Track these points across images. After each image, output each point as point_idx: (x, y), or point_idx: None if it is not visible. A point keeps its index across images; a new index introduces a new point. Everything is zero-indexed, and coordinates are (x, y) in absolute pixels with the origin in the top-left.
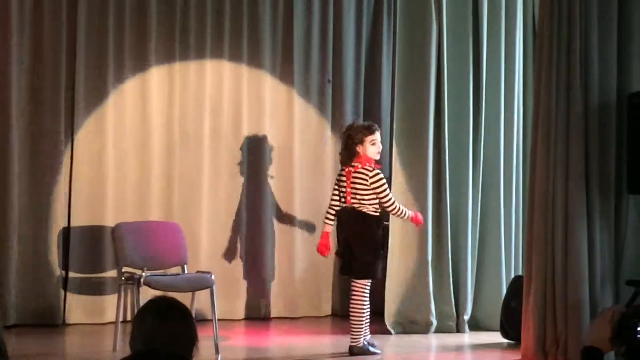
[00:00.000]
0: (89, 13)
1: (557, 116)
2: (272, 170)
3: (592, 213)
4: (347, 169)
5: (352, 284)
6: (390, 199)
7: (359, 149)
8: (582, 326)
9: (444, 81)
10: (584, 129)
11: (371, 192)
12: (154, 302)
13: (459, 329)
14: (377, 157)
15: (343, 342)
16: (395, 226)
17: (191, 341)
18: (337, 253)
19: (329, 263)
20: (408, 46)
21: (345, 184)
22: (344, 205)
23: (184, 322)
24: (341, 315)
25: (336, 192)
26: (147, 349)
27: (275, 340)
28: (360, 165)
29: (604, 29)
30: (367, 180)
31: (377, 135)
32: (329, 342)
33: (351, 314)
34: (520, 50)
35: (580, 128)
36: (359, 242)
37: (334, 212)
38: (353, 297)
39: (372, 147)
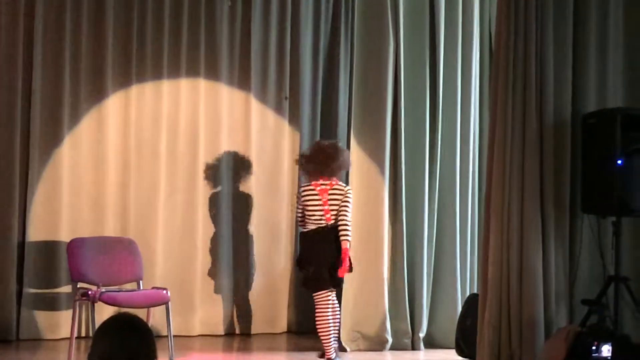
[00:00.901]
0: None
1: (513, 135)
2: (230, 183)
3: (547, 232)
4: (319, 187)
5: (315, 297)
6: (349, 216)
7: (337, 174)
8: (537, 344)
9: (401, 98)
10: (539, 149)
11: (339, 207)
12: (114, 319)
13: (414, 346)
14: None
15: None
16: (352, 243)
17: (150, 359)
18: (302, 267)
19: (285, 278)
20: (365, 62)
21: (319, 201)
22: (321, 223)
23: (144, 340)
24: (296, 332)
25: (312, 206)
26: None
27: (231, 357)
28: (333, 183)
29: (560, 49)
30: (340, 197)
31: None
32: (284, 359)
33: (317, 327)
34: (476, 68)
35: (536, 147)
36: (324, 257)
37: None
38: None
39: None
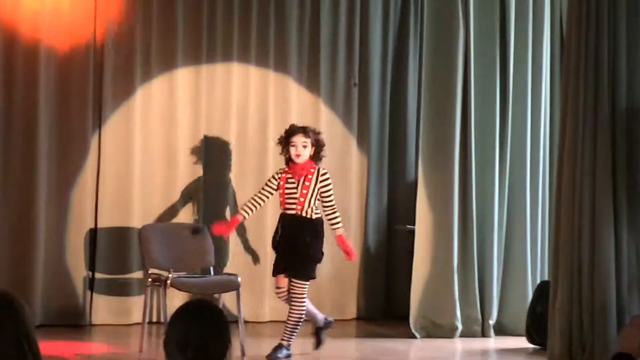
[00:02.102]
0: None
1: (585, 122)
2: None
3: (618, 218)
4: (295, 175)
5: (294, 285)
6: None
7: (285, 151)
8: (609, 331)
9: (470, 85)
10: (611, 135)
11: (316, 194)
12: (190, 304)
13: (484, 334)
14: (297, 160)
15: (367, 346)
16: (420, 230)
17: (225, 346)
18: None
19: (354, 267)
20: (435, 50)
21: (295, 188)
22: (291, 211)
23: (220, 326)
24: (366, 319)
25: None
26: (182, 352)
27: (301, 343)
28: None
29: (632, 35)
30: (312, 183)
31: (296, 138)
32: (354, 345)
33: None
34: (547, 55)
35: (607, 133)
36: (309, 246)
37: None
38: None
39: (292, 148)
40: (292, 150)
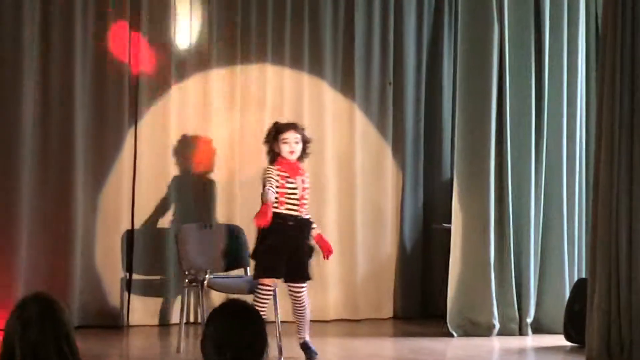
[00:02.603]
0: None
1: (621, 120)
2: (332, 178)
3: None
4: (292, 174)
5: (301, 288)
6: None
7: (275, 147)
8: None
9: (506, 84)
10: None
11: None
12: (227, 305)
13: (521, 332)
14: (290, 157)
15: (404, 345)
16: (457, 228)
17: (262, 347)
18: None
19: (390, 266)
20: (470, 48)
21: (295, 188)
22: (293, 212)
23: (257, 327)
24: (403, 317)
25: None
26: (219, 353)
27: (338, 342)
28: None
29: None
30: (307, 183)
31: (289, 134)
32: (390, 345)
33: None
34: (583, 51)
35: None
36: (306, 248)
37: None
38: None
39: (284, 145)
40: (285, 147)
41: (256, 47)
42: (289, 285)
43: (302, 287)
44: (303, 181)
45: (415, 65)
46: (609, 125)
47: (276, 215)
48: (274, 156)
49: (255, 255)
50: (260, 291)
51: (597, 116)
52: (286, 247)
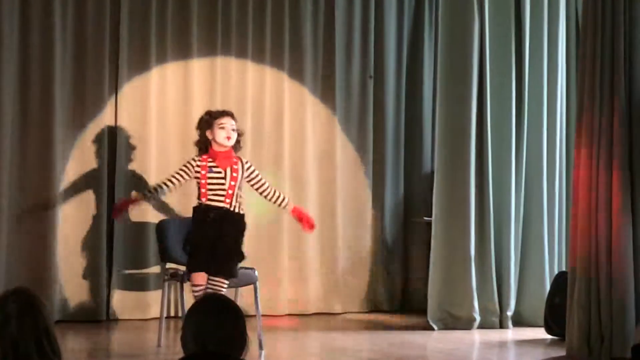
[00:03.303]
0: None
1: (602, 113)
2: (312, 172)
3: (636, 210)
4: (220, 164)
5: (220, 284)
6: (266, 182)
7: (209, 134)
8: (627, 322)
9: (486, 76)
10: (628, 125)
11: (241, 185)
12: (207, 300)
13: (502, 325)
14: (227, 143)
15: (384, 338)
16: (437, 222)
17: (243, 341)
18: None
19: (371, 260)
20: (450, 42)
21: (223, 178)
22: (218, 204)
23: (237, 322)
24: (383, 311)
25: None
26: (200, 347)
27: (317, 336)
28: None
29: None
30: (239, 173)
31: (227, 120)
32: (371, 338)
33: None
34: (563, 48)
35: (625, 125)
36: (229, 244)
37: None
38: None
39: (221, 130)
40: (222, 133)
41: (236, 42)
42: (208, 279)
43: (222, 282)
44: (235, 171)
45: (396, 59)
46: (589, 119)
47: (197, 208)
48: (205, 145)
49: (184, 248)
50: (193, 292)
51: (577, 112)
52: (205, 241)
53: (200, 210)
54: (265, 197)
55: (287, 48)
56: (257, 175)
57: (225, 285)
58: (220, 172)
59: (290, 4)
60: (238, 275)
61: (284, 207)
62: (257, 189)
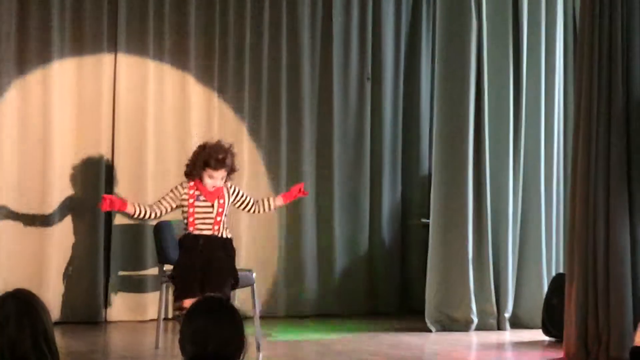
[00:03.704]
0: None
1: (599, 114)
2: (309, 173)
3: (634, 210)
4: (207, 197)
5: None
6: (251, 198)
7: (199, 171)
8: (625, 324)
9: (484, 78)
10: (625, 127)
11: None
12: (205, 302)
13: (500, 327)
14: (211, 190)
15: (382, 340)
16: (435, 224)
17: (241, 343)
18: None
19: (368, 262)
20: (448, 43)
21: (210, 207)
22: (206, 232)
23: (235, 323)
24: (381, 313)
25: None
26: (198, 349)
27: (314, 338)
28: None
29: None
30: (225, 200)
31: (218, 173)
32: (369, 340)
33: None
34: (560, 47)
35: (622, 126)
36: (222, 264)
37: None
38: None
39: (209, 180)
40: (209, 182)
41: (234, 42)
42: None
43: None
44: (222, 198)
45: (394, 61)
46: (586, 122)
47: (185, 236)
48: (194, 174)
49: (172, 277)
50: (178, 317)
51: (574, 113)
52: (197, 262)
53: (189, 238)
54: (253, 213)
55: (285, 49)
56: (242, 196)
57: None
58: (207, 204)
59: (287, 5)
60: (230, 296)
61: (275, 208)
62: (243, 209)
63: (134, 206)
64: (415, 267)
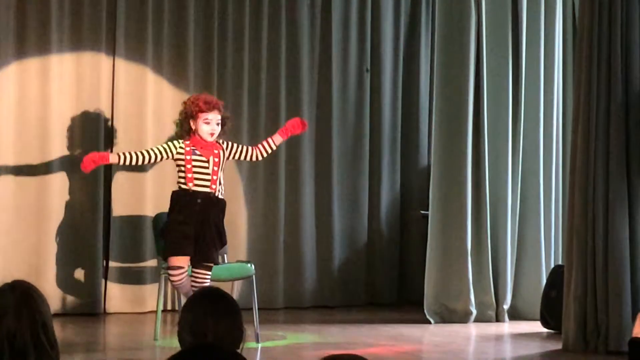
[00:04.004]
0: None
1: (598, 106)
2: (308, 163)
3: (633, 202)
4: (203, 152)
5: (205, 276)
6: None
7: (192, 124)
8: (624, 316)
9: (483, 69)
10: (624, 119)
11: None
12: (204, 294)
13: (498, 319)
14: (210, 139)
15: (380, 331)
16: (434, 215)
17: (240, 335)
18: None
19: (367, 253)
20: (447, 35)
21: (206, 162)
22: (204, 189)
23: (234, 315)
24: (380, 304)
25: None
26: (196, 341)
27: (313, 329)
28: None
29: None
30: (221, 157)
31: (213, 115)
32: (367, 331)
33: None
34: (559, 39)
35: (621, 118)
36: (214, 232)
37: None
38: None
39: (205, 125)
40: (207, 128)
41: (233, 35)
42: (192, 270)
43: (205, 275)
44: (217, 156)
45: (393, 52)
46: (586, 114)
47: (184, 192)
48: (187, 132)
49: (163, 233)
50: (170, 276)
51: (574, 105)
52: (192, 223)
53: (187, 194)
54: (256, 159)
55: (284, 42)
56: (237, 146)
57: (209, 277)
58: (204, 160)
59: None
60: (218, 262)
61: (274, 147)
62: (244, 158)
63: (118, 155)
64: (414, 258)
